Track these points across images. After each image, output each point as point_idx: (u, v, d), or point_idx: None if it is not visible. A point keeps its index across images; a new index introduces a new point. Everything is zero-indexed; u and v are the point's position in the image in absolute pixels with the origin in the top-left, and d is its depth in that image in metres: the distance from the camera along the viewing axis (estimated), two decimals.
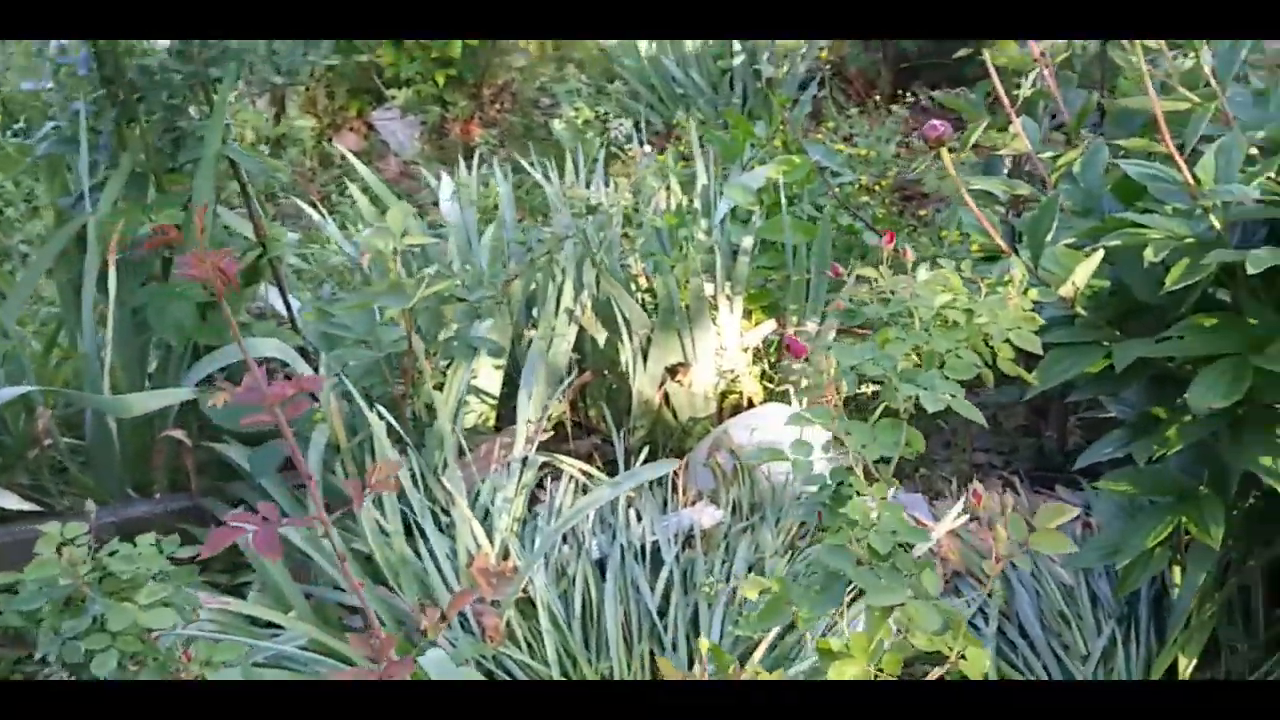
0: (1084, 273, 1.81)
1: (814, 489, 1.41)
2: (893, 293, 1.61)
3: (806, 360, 1.53)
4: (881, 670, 1.30)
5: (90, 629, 1.33)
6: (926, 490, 2.72)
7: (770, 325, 2.80)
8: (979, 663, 1.28)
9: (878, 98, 4.74)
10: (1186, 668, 2.00)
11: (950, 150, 1.82)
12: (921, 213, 3.87)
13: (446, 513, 2.12)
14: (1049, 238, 1.87)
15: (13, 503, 2.03)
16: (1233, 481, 1.88)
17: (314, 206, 3.04)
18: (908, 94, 4.81)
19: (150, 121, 2.38)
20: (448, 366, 2.34)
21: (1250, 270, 1.63)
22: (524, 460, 2.21)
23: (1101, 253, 1.81)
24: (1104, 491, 2.08)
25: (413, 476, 2.16)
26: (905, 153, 4.12)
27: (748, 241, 2.61)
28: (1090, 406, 2.65)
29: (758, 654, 1.88)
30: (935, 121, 1.75)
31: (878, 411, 1.46)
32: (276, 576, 2.06)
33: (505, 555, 2.10)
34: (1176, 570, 2.10)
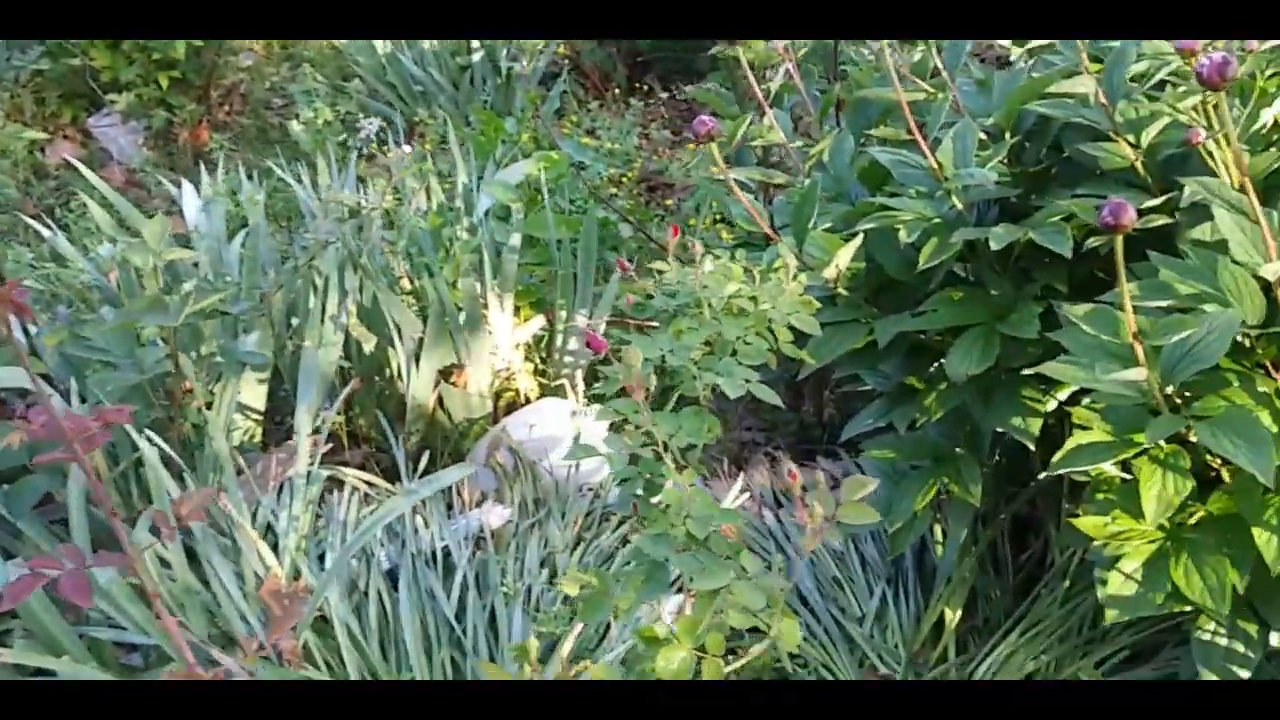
0: (845, 255, 1.93)
1: (622, 481, 1.44)
2: (680, 284, 1.67)
3: (607, 359, 1.56)
4: (704, 651, 1.35)
5: None
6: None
7: (539, 321, 2.82)
8: (793, 635, 1.35)
9: (616, 90, 4.83)
10: (952, 620, 2.17)
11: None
12: (667, 202, 3.98)
13: (228, 536, 2.03)
14: (810, 224, 1.98)
15: None
16: (985, 442, 2.05)
17: (39, 220, 2.82)
18: (643, 86, 4.93)
19: None
20: (214, 384, 2.24)
21: (993, 246, 1.79)
22: (307, 475, 2.14)
23: (862, 236, 1.93)
24: (868, 460, 2.22)
25: None
26: (646, 144, 4.22)
27: (515, 239, 2.62)
28: (842, 382, 2.81)
29: (566, 647, 1.91)
30: (704, 117, 1.82)
31: (672, 401, 1.52)
32: (44, 618, 1.92)
33: (296, 575, 2.03)
34: (937, 529, 2.27)
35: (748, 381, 1.46)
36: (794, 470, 1.22)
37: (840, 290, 2.03)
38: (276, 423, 2.73)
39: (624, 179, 4.04)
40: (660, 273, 1.74)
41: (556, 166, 2.74)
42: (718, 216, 3.76)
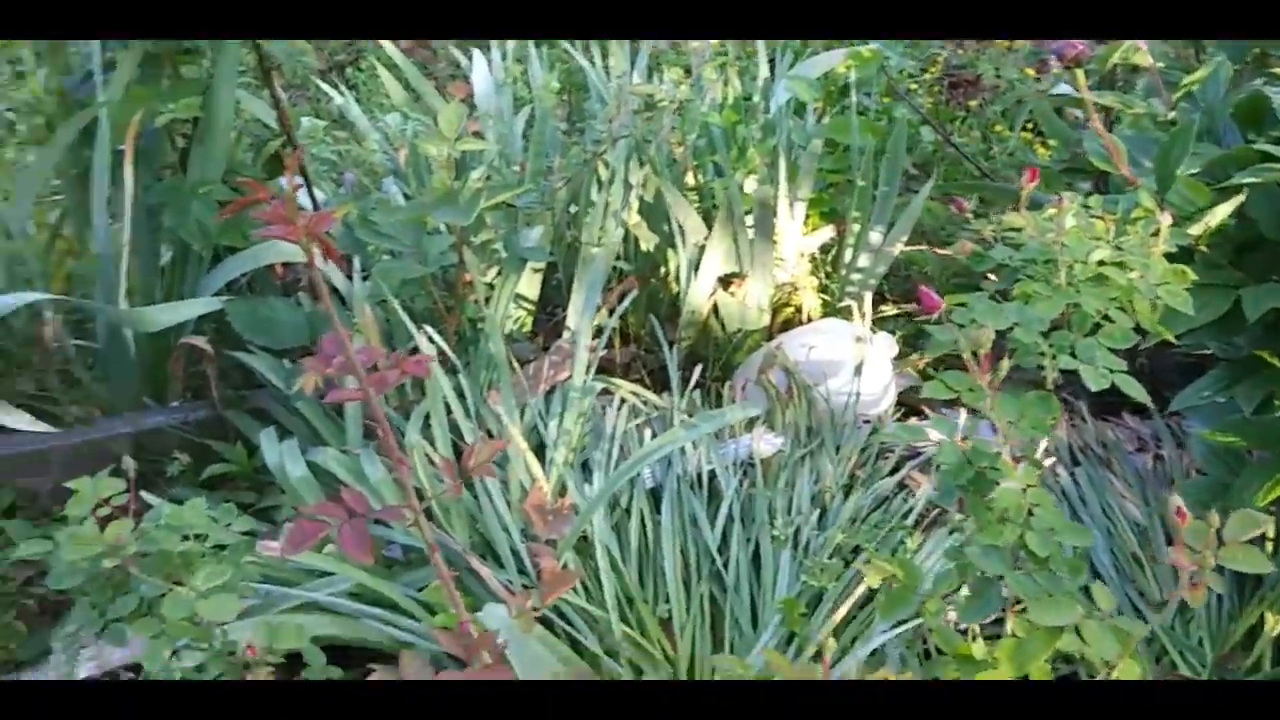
0: (1222, 212, 1.64)
1: (948, 467, 1.25)
2: (1031, 236, 1.44)
3: (939, 318, 1.36)
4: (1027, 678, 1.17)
5: (137, 612, 1.18)
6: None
7: (829, 232, 2.61)
8: (1132, 673, 1.15)
9: None
10: (1274, 627, 1.90)
11: (1081, 69, 1.63)
12: (971, 103, 3.64)
13: (497, 438, 1.96)
14: (1179, 168, 1.69)
15: (23, 423, 1.86)
16: None
17: (335, 88, 2.80)
18: None
19: None
20: (493, 276, 2.16)
21: None
22: (582, 385, 2.04)
23: (1243, 191, 1.63)
24: (1197, 438, 1.94)
25: (461, 400, 1.99)
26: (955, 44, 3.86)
27: (816, 143, 2.40)
28: None
29: (839, 610, 1.76)
30: (1074, 40, 1.55)
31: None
32: (310, 500, 1.91)
33: (562, 491, 1.95)
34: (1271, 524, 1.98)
35: (1111, 372, 1.24)
36: (1181, 508, 1.01)
37: (1200, 247, 1.74)
38: (547, 313, 2.66)
39: (926, 73, 3.72)
40: (989, 215, 1.51)
41: (867, 64, 2.49)
42: (1029, 126, 3.40)
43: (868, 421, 2.39)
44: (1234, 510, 1.79)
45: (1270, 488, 1.76)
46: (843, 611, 1.76)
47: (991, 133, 3.48)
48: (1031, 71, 3.49)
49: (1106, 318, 1.32)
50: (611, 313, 2.40)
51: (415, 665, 1.10)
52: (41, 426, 1.86)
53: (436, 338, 1.93)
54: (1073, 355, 1.27)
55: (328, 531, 1.01)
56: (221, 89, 2.09)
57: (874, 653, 1.72)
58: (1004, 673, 1.14)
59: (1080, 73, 1.58)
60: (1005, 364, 1.20)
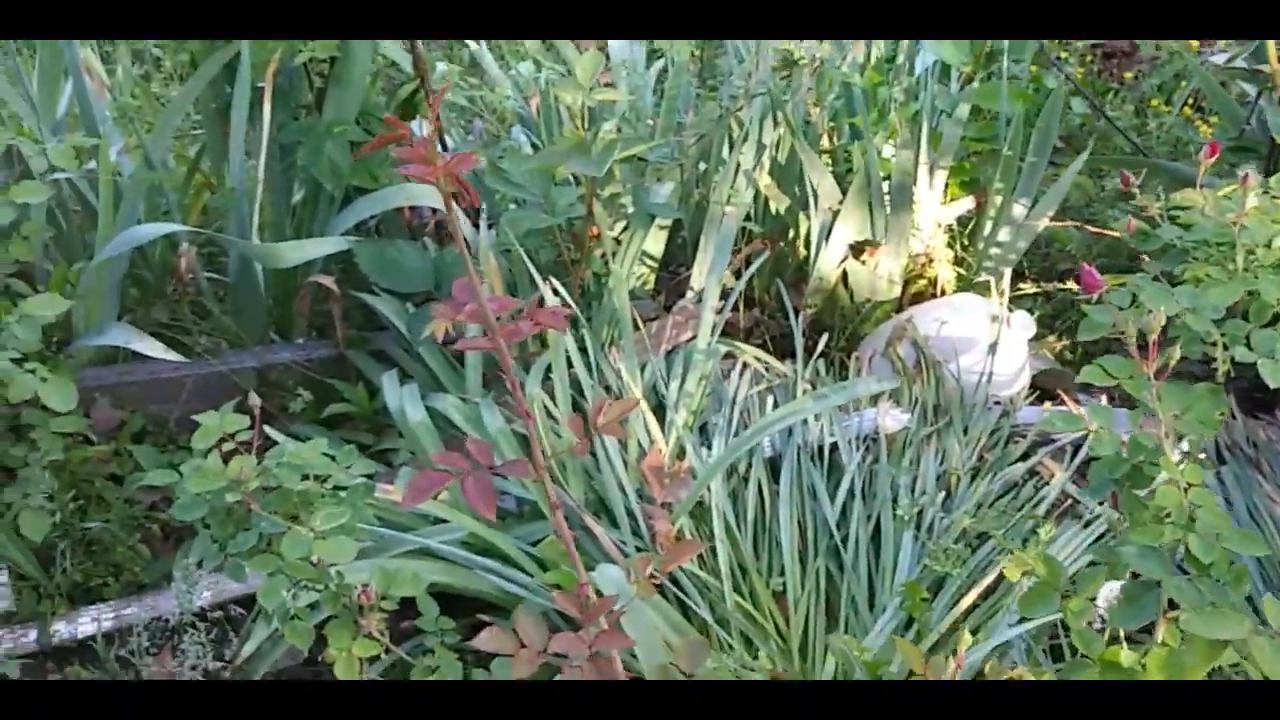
0: None
1: (1106, 457, 1.17)
2: (1206, 216, 1.34)
3: (1099, 299, 1.27)
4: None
5: (255, 548, 1.18)
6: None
7: (968, 202, 2.50)
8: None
9: None
10: None
11: None
12: (1127, 75, 3.46)
13: (617, 396, 1.93)
14: None
15: (157, 351, 1.89)
16: None
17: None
18: None
19: None
20: (621, 232, 2.11)
21: None
22: (706, 348, 1.99)
23: None
24: None
25: (583, 354, 1.96)
26: None
27: (963, 109, 2.30)
28: None
29: (967, 597, 1.68)
30: None
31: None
32: (428, 446, 1.90)
33: (680, 454, 1.91)
34: None
35: None
36: None
37: None
38: (670, 272, 2.60)
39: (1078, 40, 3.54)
40: (1159, 193, 1.41)
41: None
42: (1191, 102, 3.22)
43: (999, 403, 2.29)
44: None
45: None
46: (968, 600, 1.68)
47: (1148, 107, 3.31)
48: (1195, 44, 3.30)
49: None
50: (738, 275, 2.35)
51: (529, 623, 1.07)
52: (173, 355, 1.89)
53: (561, 290, 1.90)
54: (1248, 346, 1.18)
55: (451, 483, 0.98)
56: None
57: (997, 647, 1.64)
58: (1155, 679, 1.06)
59: (1272, 44, 1.46)
60: (1175, 351, 1.11)
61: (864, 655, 1.59)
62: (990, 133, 2.45)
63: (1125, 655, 1.09)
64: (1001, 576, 1.69)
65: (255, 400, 1.32)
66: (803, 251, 2.51)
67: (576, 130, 1.77)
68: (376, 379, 2.17)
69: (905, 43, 2.52)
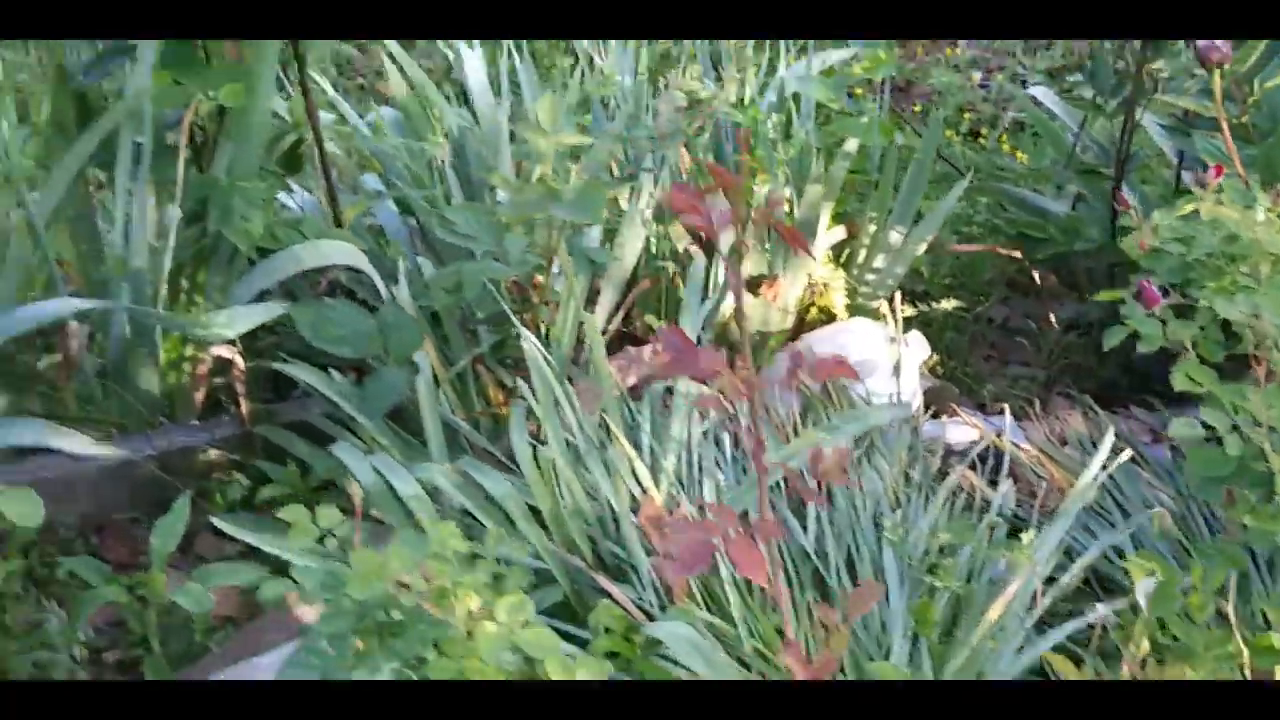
0: None
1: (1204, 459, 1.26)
2: (1204, 227, 1.46)
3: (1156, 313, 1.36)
4: None
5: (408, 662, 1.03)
6: (991, 409, 2.62)
7: (840, 232, 2.61)
8: None
9: None
10: None
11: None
12: (915, 108, 3.73)
13: (602, 446, 1.87)
14: None
15: (79, 446, 1.65)
16: None
17: (333, 88, 2.61)
18: None
19: None
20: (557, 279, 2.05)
21: None
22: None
23: None
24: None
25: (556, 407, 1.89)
26: (902, 52, 3.94)
27: (851, 144, 2.40)
28: None
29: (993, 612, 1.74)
30: (1218, 42, 1.60)
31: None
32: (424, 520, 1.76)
33: (673, 500, 1.87)
34: None
35: None
36: None
37: None
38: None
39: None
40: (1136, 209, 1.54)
41: (883, 66, 2.50)
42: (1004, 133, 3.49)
43: (907, 421, 2.39)
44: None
45: None
46: (994, 613, 1.74)
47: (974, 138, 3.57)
48: (976, 77, 3.61)
49: None
50: (627, 315, 2.35)
51: None
52: (103, 448, 1.65)
53: (537, 344, 1.82)
54: None
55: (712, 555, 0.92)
56: (264, 73, 1.92)
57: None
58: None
59: (1216, 74, 1.63)
60: (1277, 357, 1.21)
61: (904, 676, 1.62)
62: (860, 164, 2.58)
63: (1275, 639, 1.17)
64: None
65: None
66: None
67: (547, 177, 1.71)
68: (299, 455, 2.00)
69: (777, 78, 2.61)
